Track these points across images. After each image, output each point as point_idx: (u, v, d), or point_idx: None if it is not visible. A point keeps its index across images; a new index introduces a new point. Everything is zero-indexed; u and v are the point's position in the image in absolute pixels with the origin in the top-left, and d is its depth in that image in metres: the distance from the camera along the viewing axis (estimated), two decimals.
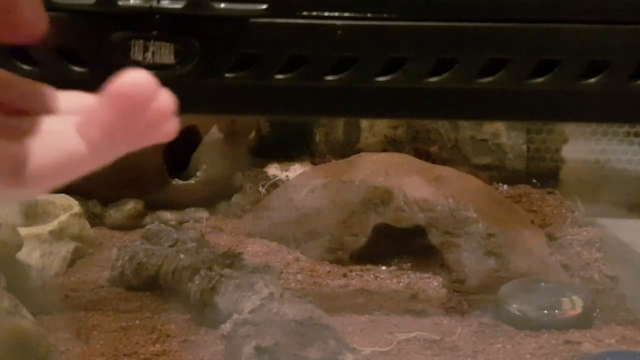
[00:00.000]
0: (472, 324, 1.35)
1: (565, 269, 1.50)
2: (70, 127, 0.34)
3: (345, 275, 1.52)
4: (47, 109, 0.36)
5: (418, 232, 1.52)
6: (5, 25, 0.35)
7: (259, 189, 1.86)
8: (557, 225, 1.69)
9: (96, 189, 1.70)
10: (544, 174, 1.95)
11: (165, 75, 0.39)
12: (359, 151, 1.87)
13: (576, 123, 1.95)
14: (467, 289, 1.45)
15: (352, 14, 0.41)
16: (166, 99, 0.33)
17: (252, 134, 2.02)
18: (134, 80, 0.32)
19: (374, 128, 2.04)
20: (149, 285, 1.43)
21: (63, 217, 1.53)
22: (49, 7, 0.38)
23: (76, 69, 0.42)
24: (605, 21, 0.41)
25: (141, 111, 0.32)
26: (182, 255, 1.38)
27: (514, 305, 1.35)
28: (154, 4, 0.40)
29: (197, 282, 1.30)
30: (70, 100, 0.37)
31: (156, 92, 0.32)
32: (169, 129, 0.33)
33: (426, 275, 1.52)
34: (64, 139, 0.33)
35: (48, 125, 0.35)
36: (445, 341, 1.29)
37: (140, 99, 0.32)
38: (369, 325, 1.35)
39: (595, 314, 1.36)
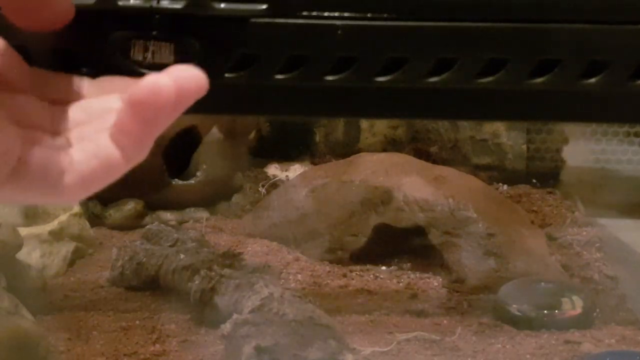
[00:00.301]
0: (472, 324, 1.35)
1: (565, 269, 1.50)
2: (104, 130, 0.34)
3: (345, 275, 1.52)
4: (81, 98, 0.37)
5: (418, 232, 1.52)
6: (37, 12, 0.36)
7: (259, 189, 1.86)
8: (557, 225, 1.69)
9: None
10: (543, 174, 1.95)
11: None
12: (359, 151, 1.87)
13: (576, 123, 1.95)
14: (467, 289, 1.45)
15: (352, 14, 0.41)
16: (189, 84, 0.32)
17: (252, 134, 2.02)
18: (152, 87, 0.32)
19: (374, 128, 2.04)
20: (149, 285, 1.43)
21: (63, 217, 1.53)
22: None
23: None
24: (605, 21, 0.41)
25: (166, 112, 0.32)
26: (182, 255, 1.38)
27: (514, 305, 1.35)
28: (154, 4, 0.40)
29: (197, 282, 1.30)
30: (103, 86, 0.37)
31: (178, 89, 0.32)
32: (199, 94, 0.33)
33: (426, 275, 1.52)
34: (100, 146, 0.34)
35: (84, 128, 0.35)
36: (445, 341, 1.29)
37: (161, 105, 0.32)
38: (369, 325, 1.35)
39: (595, 314, 1.37)
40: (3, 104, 0.34)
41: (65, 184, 0.34)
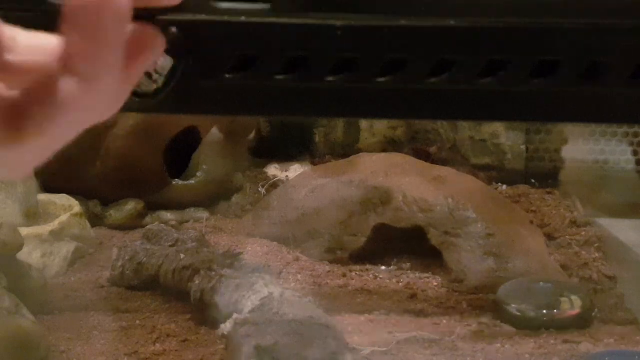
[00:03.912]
0: (471, 323, 1.35)
1: (564, 268, 1.50)
2: None
3: (344, 275, 1.52)
4: None
5: (417, 232, 1.52)
6: None
7: (259, 189, 1.86)
8: (556, 225, 1.69)
9: (97, 189, 1.70)
10: (543, 174, 1.95)
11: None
12: (358, 151, 1.87)
13: (576, 123, 1.95)
14: (467, 289, 1.45)
15: (352, 14, 0.41)
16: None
17: (252, 134, 2.03)
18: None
19: (373, 128, 2.04)
20: (149, 285, 1.43)
21: (64, 218, 1.53)
22: (48, 7, 0.38)
23: None
24: (605, 21, 0.41)
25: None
26: (182, 255, 1.39)
27: (513, 305, 1.35)
28: None
29: (197, 282, 1.30)
30: None
31: None
32: None
33: (426, 275, 1.52)
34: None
35: None
36: (444, 341, 1.30)
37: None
38: (368, 325, 1.36)
39: (594, 314, 1.37)
40: None
41: None
